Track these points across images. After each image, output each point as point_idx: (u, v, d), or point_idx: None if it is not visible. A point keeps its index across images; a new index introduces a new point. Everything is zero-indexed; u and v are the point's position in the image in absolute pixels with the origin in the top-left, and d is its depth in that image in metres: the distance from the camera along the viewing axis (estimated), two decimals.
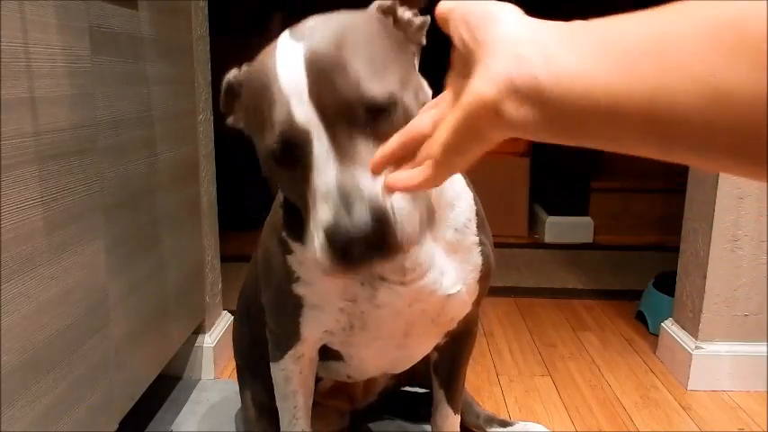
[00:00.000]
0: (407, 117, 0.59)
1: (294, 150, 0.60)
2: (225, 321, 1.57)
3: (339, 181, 0.57)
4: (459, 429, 1.05)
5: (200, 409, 1.33)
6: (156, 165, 1.14)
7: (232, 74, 0.71)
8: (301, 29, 0.63)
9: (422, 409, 1.19)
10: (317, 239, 0.59)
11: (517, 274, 2.30)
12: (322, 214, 0.58)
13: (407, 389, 1.25)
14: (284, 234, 0.80)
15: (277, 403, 0.94)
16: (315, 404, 0.96)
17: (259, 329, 0.96)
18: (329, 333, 0.85)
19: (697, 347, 1.44)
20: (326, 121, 0.59)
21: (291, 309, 0.83)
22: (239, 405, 1.22)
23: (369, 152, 0.58)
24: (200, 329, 1.45)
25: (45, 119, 0.76)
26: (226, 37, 2.16)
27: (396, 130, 0.54)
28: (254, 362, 1.08)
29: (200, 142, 1.39)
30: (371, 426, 1.25)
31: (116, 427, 0.98)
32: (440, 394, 1.02)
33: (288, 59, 0.60)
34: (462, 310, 0.86)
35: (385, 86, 0.60)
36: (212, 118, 1.46)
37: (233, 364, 1.53)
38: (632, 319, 1.87)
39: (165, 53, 1.18)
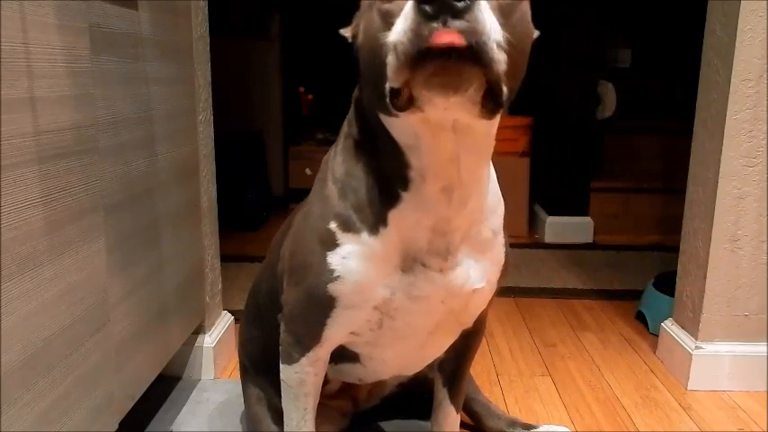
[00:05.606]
0: None
1: None
2: (225, 321, 1.57)
3: None
4: (458, 428, 1.05)
5: (200, 409, 1.33)
6: (156, 165, 1.14)
7: None
8: None
9: (425, 410, 1.19)
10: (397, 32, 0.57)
11: (517, 274, 2.30)
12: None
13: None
14: (333, 225, 0.79)
15: (284, 404, 0.94)
16: (318, 404, 0.96)
17: (272, 330, 0.96)
18: (355, 334, 0.85)
19: (697, 347, 1.44)
20: None
21: (321, 310, 0.82)
22: (240, 405, 1.22)
23: None
24: (200, 329, 1.45)
25: (45, 119, 0.76)
26: (226, 37, 2.16)
27: None
28: (262, 362, 1.08)
29: (200, 142, 1.39)
30: (372, 426, 1.25)
31: (116, 427, 0.98)
32: (442, 393, 1.02)
33: None
34: (482, 306, 0.89)
35: None
36: (212, 118, 1.46)
37: (233, 364, 1.54)
38: (632, 319, 1.87)
39: (165, 53, 1.18)
